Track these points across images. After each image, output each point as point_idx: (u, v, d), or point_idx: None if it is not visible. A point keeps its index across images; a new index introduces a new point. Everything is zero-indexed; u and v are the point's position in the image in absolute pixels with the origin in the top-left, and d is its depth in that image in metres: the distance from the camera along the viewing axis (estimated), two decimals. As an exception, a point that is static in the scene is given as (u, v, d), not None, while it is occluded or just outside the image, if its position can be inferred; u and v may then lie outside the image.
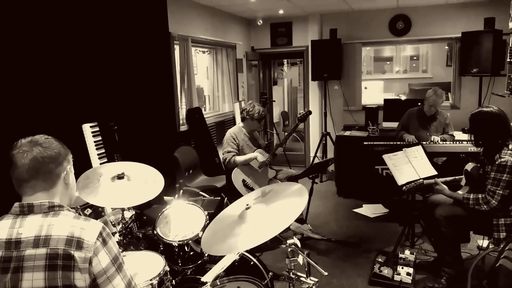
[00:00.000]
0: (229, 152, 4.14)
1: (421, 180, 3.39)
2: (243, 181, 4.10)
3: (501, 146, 2.94)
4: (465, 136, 5.12)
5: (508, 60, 5.11)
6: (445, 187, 3.28)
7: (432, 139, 4.61)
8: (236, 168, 4.10)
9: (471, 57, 5.55)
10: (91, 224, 1.46)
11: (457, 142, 4.62)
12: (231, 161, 4.11)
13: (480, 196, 2.99)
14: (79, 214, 2.62)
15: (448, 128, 4.86)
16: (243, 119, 4.31)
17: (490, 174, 2.96)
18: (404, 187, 3.41)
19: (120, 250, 2.49)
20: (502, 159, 2.87)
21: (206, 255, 2.74)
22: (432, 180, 3.36)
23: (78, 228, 1.42)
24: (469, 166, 3.26)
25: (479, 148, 3.23)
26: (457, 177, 3.43)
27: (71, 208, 2.53)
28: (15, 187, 1.49)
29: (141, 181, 2.51)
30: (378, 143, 4.93)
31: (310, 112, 4.29)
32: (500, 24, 5.45)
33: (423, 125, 4.87)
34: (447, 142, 4.62)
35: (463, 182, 3.34)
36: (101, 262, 1.42)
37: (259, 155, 4.14)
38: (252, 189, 3.99)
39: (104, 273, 1.43)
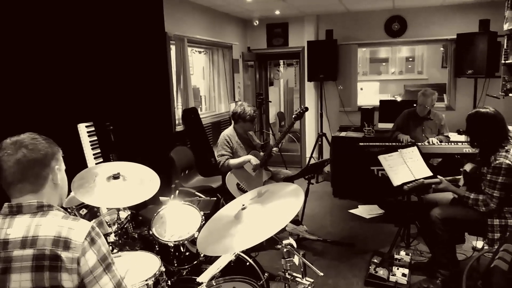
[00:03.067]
0: (222, 155, 4.13)
1: (421, 180, 3.40)
2: (237, 184, 4.09)
3: (497, 148, 2.95)
4: (461, 138, 5.14)
5: (503, 61, 5.14)
6: (449, 183, 3.29)
7: (430, 140, 4.63)
8: (229, 172, 4.09)
9: (466, 58, 5.58)
10: (79, 224, 1.44)
11: (453, 143, 4.64)
12: (224, 165, 4.10)
13: (480, 197, 3.00)
14: (74, 214, 2.62)
15: (443, 129, 4.89)
16: (235, 121, 4.28)
17: (486, 176, 2.97)
18: (405, 186, 3.41)
19: (116, 250, 2.50)
20: (497, 161, 2.89)
21: (201, 255, 2.74)
22: (435, 180, 3.36)
23: (66, 228, 1.41)
24: (468, 167, 3.27)
25: (475, 149, 3.24)
26: (456, 177, 3.44)
27: (67, 208, 2.53)
28: (4, 189, 1.48)
29: (136, 181, 2.50)
30: (374, 144, 4.94)
31: (306, 109, 4.25)
32: (495, 26, 5.48)
33: (417, 126, 4.90)
34: (443, 143, 4.63)
35: (461, 183, 3.36)
36: (88, 262, 1.40)
37: (252, 158, 4.13)
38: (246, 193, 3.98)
39: (91, 273, 1.41)
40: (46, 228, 1.40)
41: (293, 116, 4.23)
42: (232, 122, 4.36)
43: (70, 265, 1.37)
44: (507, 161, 2.86)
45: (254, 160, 4.13)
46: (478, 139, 3.10)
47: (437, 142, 4.60)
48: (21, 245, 1.37)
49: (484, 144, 3.07)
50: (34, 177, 1.46)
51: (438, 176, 3.35)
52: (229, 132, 4.28)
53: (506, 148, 2.93)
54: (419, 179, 3.43)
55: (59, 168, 1.57)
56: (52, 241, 1.37)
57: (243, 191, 4.07)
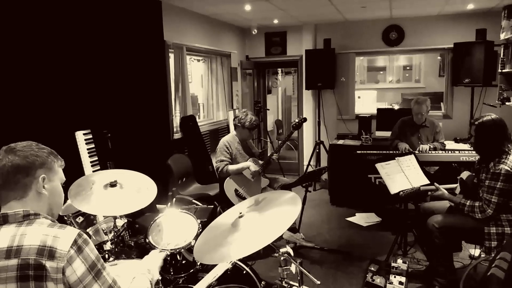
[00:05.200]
0: (222, 161, 4.14)
1: (418, 186, 3.41)
2: (236, 190, 4.09)
3: (498, 155, 2.96)
4: (458, 146, 5.16)
5: (500, 70, 5.18)
6: (445, 191, 3.30)
7: (420, 148, 4.64)
8: (228, 177, 4.10)
9: (463, 67, 5.62)
10: (65, 232, 1.41)
11: (449, 152, 4.66)
12: (223, 170, 4.10)
13: (476, 204, 3.01)
14: (71, 222, 2.61)
15: (438, 136, 4.90)
16: (235, 127, 4.31)
17: (484, 182, 2.98)
18: (401, 192, 3.42)
19: (112, 259, 2.49)
20: (497, 167, 2.90)
21: (198, 264, 2.73)
22: (431, 186, 3.37)
23: (51, 237, 1.38)
24: (464, 175, 3.28)
25: (473, 158, 3.25)
26: (452, 185, 3.45)
27: (64, 216, 2.52)
28: None
29: (133, 189, 2.50)
30: (371, 152, 4.95)
31: (305, 120, 4.31)
32: (491, 35, 5.53)
33: (414, 134, 4.92)
34: (439, 152, 4.64)
35: (457, 191, 3.36)
36: (76, 271, 1.38)
37: (251, 165, 4.14)
38: (244, 199, 3.98)
39: (80, 282, 1.39)
40: (30, 237, 1.37)
41: (292, 126, 4.27)
42: (233, 128, 4.38)
43: (54, 274, 1.34)
44: (506, 167, 2.88)
45: (253, 167, 4.14)
46: (483, 146, 3.09)
47: (426, 150, 4.61)
48: (6, 255, 1.35)
49: (488, 151, 3.07)
50: (14, 184, 1.45)
51: (435, 184, 3.36)
52: (229, 138, 4.30)
53: (505, 155, 2.94)
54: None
55: (49, 178, 1.53)
56: (36, 250, 1.35)
57: (241, 197, 4.07)
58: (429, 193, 3.39)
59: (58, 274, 1.35)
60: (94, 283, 1.42)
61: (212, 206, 3.89)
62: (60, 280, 1.35)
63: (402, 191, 3.42)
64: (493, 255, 2.65)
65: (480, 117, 3.10)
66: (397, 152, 4.73)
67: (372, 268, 3.50)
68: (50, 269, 1.34)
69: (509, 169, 2.88)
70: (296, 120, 4.27)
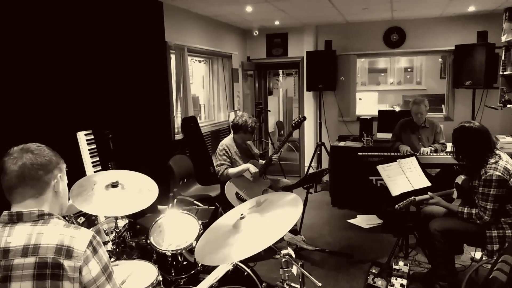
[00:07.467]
0: (221, 165, 4.13)
1: (412, 198, 3.41)
2: (236, 193, 4.09)
3: (482, 160, 2.97)
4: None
5: (501, 73, 5.18)
6: (440, 198, 3.30)
7: (421, 151, 4.64)
8: (228, 181, 4.09)
9: (464, 69, 5.62)
10: (81, 233, 1.45)
11: (451, 154, 4.64)
12: (223, 174, 4.10)
13: (473, 211, 3.02)
14: (72, 222, 2.61)
15: (438, 137, 4.90)
16: (235, 132, 4.29)
17: (478, 189, 2.99)
18: (396, 206, 3.43)
19: (113, 259, 2.49)
20: (488, 174, 2.91)
21: (199, 265, 2.73)
22: (425, 196, 3.37)
23: (68, 237, 1.41)
24: (460, 179, 3.27)
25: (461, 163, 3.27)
26: (448, 191, 3.45)
27: (65, 216, 2.52)
28: (5, 194, 1.48)
29: (135, 190, 2.50)
30: (373, 153, 4.95)
31: (304, 118, 4.29)
32: (492, 37, 5.52)
33: (414, 135, 4.91)
34: (441, 154, 4.64)
35: (454, 195, 3.36)
36: (91, 271, 1.42)
37: (251, 166, 4.13)
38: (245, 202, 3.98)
39: (94, 282, 1.42)
40: (48, 236, 1.40)
41: (292, 125, 4.26)
42: (231, 131, 4.37)
43: (72, 273, 1.37)
44: (497, 173, 2.88)
45: (253, 168, 4.13)
46: (462, 153, 3.15)
47: (427, 152, 4.61)
48: (22, 253, 1.37)
49: (469, 158, 3.11)
50: (36, 181, 1.47)
51: (429, 193, 3.36)
52: (227, 141, 4.29)
53: (494, 160, 2.95)
54: (410, 197, 3.43)
55: (62, 178, 1.59)
56: (54, 249, 1.38)
57: (242, 200, 4.06)
58: (424, 202, 3.39)
59: (75, 273, 1.38)
60: (106, 284, 1.46)
61: (214, 207, 3.89)
62: (76, 279, 1.38)
63: (397, 204, 3.42)
64: (495, 258, 2.65)
65: (458, 124, 3.20)
66: (398, 154, 4.73)
67: (374, 271, 3.49)
68: (68, 268, 1.37)
69: (500, 174, 2.88)
70: (296, 119, 4.25)
